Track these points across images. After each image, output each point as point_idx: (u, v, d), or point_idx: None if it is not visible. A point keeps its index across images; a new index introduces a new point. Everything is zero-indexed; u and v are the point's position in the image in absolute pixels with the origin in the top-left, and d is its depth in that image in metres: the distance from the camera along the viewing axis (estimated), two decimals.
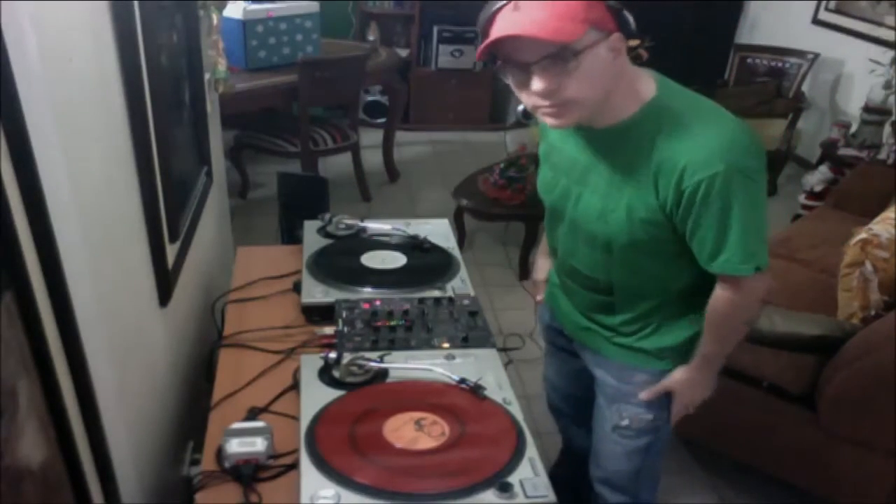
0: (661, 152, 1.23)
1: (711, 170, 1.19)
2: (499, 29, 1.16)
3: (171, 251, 1.63)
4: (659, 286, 1.43)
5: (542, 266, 1.76)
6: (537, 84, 1.19)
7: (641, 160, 1.26)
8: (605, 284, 1.45)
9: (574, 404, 1.81)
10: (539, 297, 1.77)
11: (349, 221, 2.00)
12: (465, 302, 1.68)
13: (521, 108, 5.29)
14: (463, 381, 1.38)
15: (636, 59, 1.31)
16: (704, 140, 1.20)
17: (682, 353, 1.48)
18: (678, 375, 1.49)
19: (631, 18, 1.19)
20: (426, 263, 1.85)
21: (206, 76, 2.24)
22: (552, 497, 1.15)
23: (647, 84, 1.28)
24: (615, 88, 1.24)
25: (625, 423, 1.58)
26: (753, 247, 1.26)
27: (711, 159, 1.19)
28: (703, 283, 1.37)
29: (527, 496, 1.14)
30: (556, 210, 1.47)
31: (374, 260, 1.85)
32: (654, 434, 1.60)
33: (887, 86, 3.73)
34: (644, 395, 1.52)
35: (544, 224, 1.58)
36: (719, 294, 1.36)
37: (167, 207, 1.58)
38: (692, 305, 1.44)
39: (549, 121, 1.26)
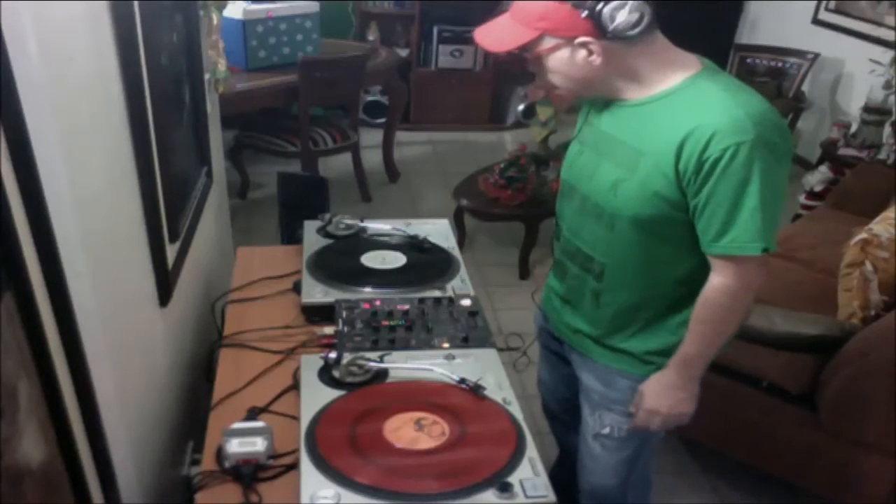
0: (694, 120, 1.24)
1: (739, 138, 1.20)
2: (477, 32, 1.37)
3: (171, 251, 1.63)
4: (650, 276, 1.41)
5: None
6: (529, 64, 1.36)
7: (671, 129, 1.27)
8: (598, 267, 1.44)
9: (567, 408, 1.79)
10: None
11: (349, 221, 2.00)
12: (465, 302, 1.68)
13: (521, 107, 5.31)
14: (463, 381, 1.38)
15: None
16: (738, 111, 1.22)
17: (666, 358, 1.44)
18: (651, 379, 1.45)
19: (616, 20, 1.23)
20: (426, 263, 1.85)
21: (206, 76, 2.24)
22: (552, 497, 1.15)
23: (690, 63, 1.33)
24: (616, 76, 1.33)
25: (606, 430, 1.56)
26: (764, 226, 1.25)
27: (742, 128, 1.21)
28: (694, 284, 1.36)
29: (527, 496, 1.14)
30: (571, 185, 1.49)
31: (374, 260, 1.85)
32: (637, 445, 1.57)
33: (887, 86, 3.73)
34: (636, 422, 1.49)
35: (556, 206, 1.59)
36: (714, 284, 1.32)
37: (167, 207, 1.58)
38: (679, 307, 1.41)
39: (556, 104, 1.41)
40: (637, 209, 1.33)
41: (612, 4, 1.22)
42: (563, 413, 1.86)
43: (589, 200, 1.42)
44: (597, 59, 1.28)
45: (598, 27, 1.25)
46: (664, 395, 1.43)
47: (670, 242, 1.36)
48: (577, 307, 1.54)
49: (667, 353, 1.44)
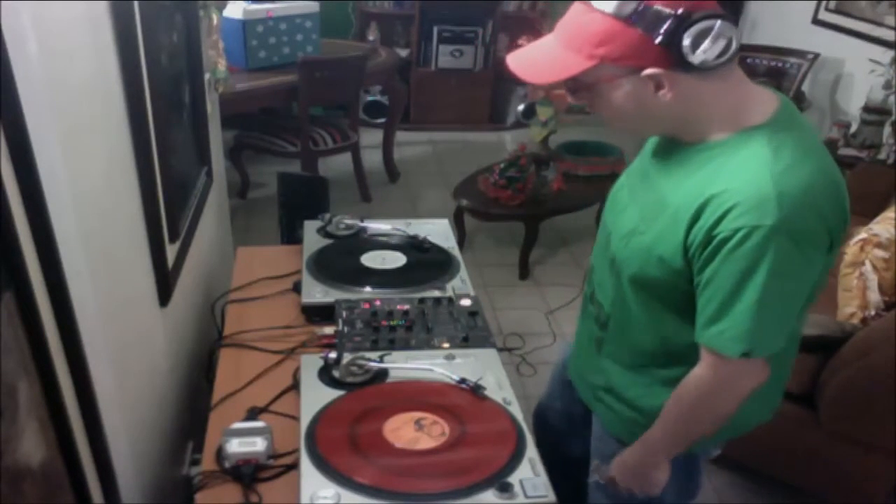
0: (723, 184, 1.06)
1: (758, 221, 1.02)
2: (510, 57, 1.17)
3: (171, 251, 1.63)
4: (648, 341, 1.26)
5: None
6: (569, 97, 1.19)
7: (700, 186, 1.10)
8: (605, 315, 1.32)
9: (564, 419, 1.64)
10: None
11: (349, 221, 2.00)
12: (465, 302, 1.67)
13: (521, 107, 5.30)
14: (463, 381, 1.38)
15: None
16: (768, 188, 1.02)
17: None
18: (621, 452, 1.33)
19: (699, 50, 1.02)
20: (426, 263, 1.85)
21: (206, 76, 2.24)
22: (552, 497, 1.15)
23: (759, 111, 1.12)
24: (682, 114, 1.12)
25: (602, 481, 1.42)
26: (759, 326, 1.07)
27: (764, 209, 1.02)
28: (693, 362, 1.20)
29: (527, 496, 1.14)
30: (604, 221, 1.35)
31: (374, 260, 1.85)
32: (640, 500, 1.38)
33: (887, 86, 3.72)
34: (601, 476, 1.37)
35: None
36: (695, 372, 1.17)
37: (167, 207, 1.58)
38: (674, 385, 1.23)
39: None
40: (638, 268, 1.18)
41: (695, 30, 1.01)
42: (558, 421, 1.67)
43: (610, 243, 1.28)
44: (667, 95, 1.07)
45: (673, 57, 1.03)
46: (627, 472, 1.32)
47: (673, 311, 1.20)
48: (584, 352, 1.43)
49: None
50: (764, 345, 1.10)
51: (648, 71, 1.06)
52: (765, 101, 1.14)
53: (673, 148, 1.20)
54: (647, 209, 1.20)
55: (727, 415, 1.19)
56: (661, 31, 1.02)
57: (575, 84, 1.14)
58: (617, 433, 1.37)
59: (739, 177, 1.06)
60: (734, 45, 1.04)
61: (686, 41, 1.02)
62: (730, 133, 1.11)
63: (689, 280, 1.14)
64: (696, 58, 1.03)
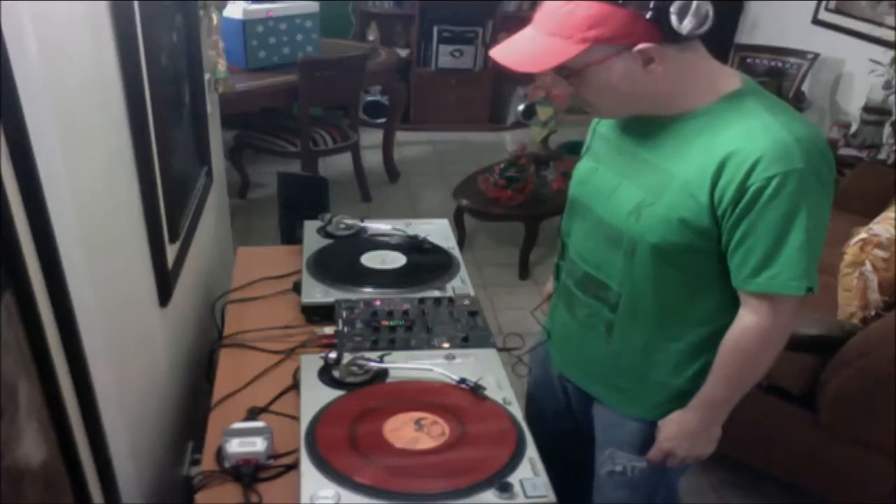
0: (735, 142, 1.13)
1: (787, 166, 1.10)
2: (494, 51, 1.21)
3: (171, 251, 1.63)
4: (667, 312, 1.29)
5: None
6: (555, 88, 1.24)
7: (706, 150, 1.16)
8: (614, 297, 1.32)
9: (566, 442, 1.63)
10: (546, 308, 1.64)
11: (349, 221, 2.00)
12: (465, 302, 1.68)
13: (521, 107, 5.30)
14: (463, 381, 1.38)
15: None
16: (786, 136, 1.11)
17: (679, 407, 1.34)
18: (672, 417, 1.34)
19: (685, 20, 1.10)
20: (426, 263, 1.85)
21: (206, 76, 2.24)
22: (552, 497, 1.15)
23: (731, 80, 1.21)
24: (667, 87, 1.18)
25: (618, 468, 1.45)
26: (810, 262, 1.14)
27: (791, 155, 1.10)
28: (715, 326, 1.26)
29: (527, 496, 1.14)
30: (582, 205, 1.38)
31: (374, 260, 1.85)
32: (652, 483, 1.45)
33: (887, 86, 3.72)
34: (650, 456, 1.38)
35: (562, 223, 1.48)
36: (746, 323, 1.21)
37: (167, 207, 1.58)
38: (697, 353, 1.30)
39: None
40: (660, 236, 1.21)
41: (679, 2, 1.09)
42: (561, 449, 1.58)
43: (605, 223, 1.31)
44: (658, 68, 1.14)
45: (662, 30, 1.11)
46: (682, 437, 1.33)
47: (692, 275, 1.25)
48: (586, 340, 1.41)
49: (680, 402, 1.33)
50: (816, 279, 1.17)
51: (641, 46, 1.12)
52: (728, 71, 1.24)
53: (652, 124, 1.25)
54: (650, 183, 1.24)
55: (777, 357, 1.26)
56: (651, 6, 1.09)
57: (565, 70, 1.19)
58: (637, 413, 1.39)
59: (750, 133, 1.13)
60: (710, 14, 1.12)
61: (673, 13, 1.09)
62: (712, 101, 1.19)
63: (714, 240, 1.19)
64: (684, 28, 1.11)
